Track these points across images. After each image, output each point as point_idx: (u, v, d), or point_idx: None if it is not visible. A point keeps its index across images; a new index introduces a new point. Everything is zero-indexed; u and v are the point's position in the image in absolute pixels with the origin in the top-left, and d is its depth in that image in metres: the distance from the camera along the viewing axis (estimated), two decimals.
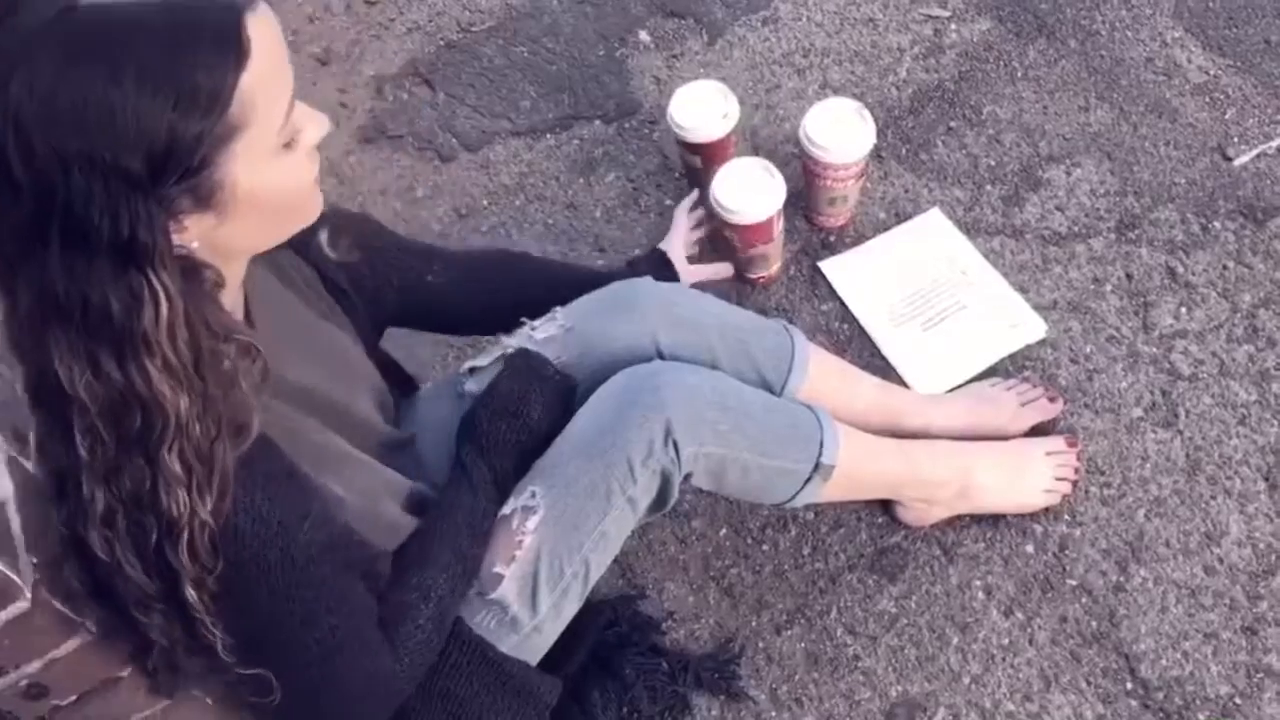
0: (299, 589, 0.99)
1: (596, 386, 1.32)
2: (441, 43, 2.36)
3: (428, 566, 1.17)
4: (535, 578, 1.24)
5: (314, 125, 0.96)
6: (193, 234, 0.87)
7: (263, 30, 0.87)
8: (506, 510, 1.26)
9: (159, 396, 0.84)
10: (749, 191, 1.72)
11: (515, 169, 2.14)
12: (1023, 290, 1.79)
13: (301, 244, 1.20)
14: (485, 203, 2.11)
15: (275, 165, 0.91)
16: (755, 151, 2.04)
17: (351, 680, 1.07)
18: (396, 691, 1.13)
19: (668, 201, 2.03)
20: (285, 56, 0.91)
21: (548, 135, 2.17)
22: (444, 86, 2.29)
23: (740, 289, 1.89)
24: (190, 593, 0.91)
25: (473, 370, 1.42)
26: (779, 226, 1.78)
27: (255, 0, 0.87)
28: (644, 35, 2.27)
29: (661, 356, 1.36)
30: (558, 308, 1.41)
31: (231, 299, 1.01)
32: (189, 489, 0.88)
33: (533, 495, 1.26)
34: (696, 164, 1.91)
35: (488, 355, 1.42)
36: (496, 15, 2.38)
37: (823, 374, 1.49)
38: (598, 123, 2.17)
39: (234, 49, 0.84)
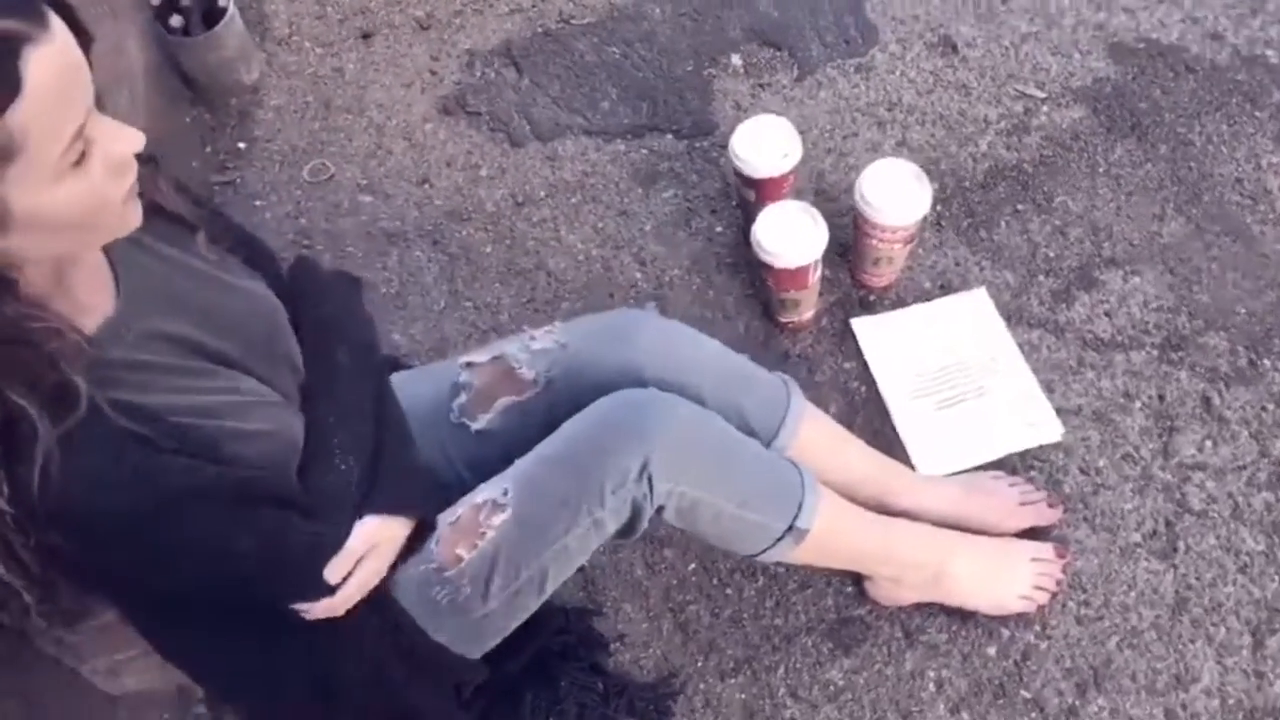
0: (168, 543, 1.05)
1: (582, 405, 1.33)
2: (539, 29, 2.38)
3: (328, 448, 1.21)
4: (491, 570, 1.26)
5: (118, 141, 0.95)
6: None
7: (46, 63, 0.86)
8: (478, 499, 1.28)
9: None
10: (790, 236, 1.71)
11: (579, 166, 2.14)
12: (1049, 389, 1.74)
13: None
14: (543, 194, 2.12)
15: (59, 187, 0.91)
16: (816, 196, 2.02)
17: (290, 564, 1.14)
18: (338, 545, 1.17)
19: (718, 228, 2.02)
20: (77, 81, 0.91)
21: (618, 140, 2.17)
22: (531, 73, 2.30)
23: (769, 328, 1.88)
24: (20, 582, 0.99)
25: (469, 364, 1.44)
26: (815, 275, 1.76)
27: (44, 29, 0.87)
28: (736, 59, 2.26)
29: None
30: (557, 321, 1.43)
31: (87, 281, 1.06)
32: None
33: (505, 493, 1.28)
34: (750, 197, 1.90)
35: (485, 353, 1.43)
36: (598, 12, 2.39)
37: (815, 436, 1.47)
38: (670, 137, 2.16)
39: (6, 87, 0.84)
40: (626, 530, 1.30)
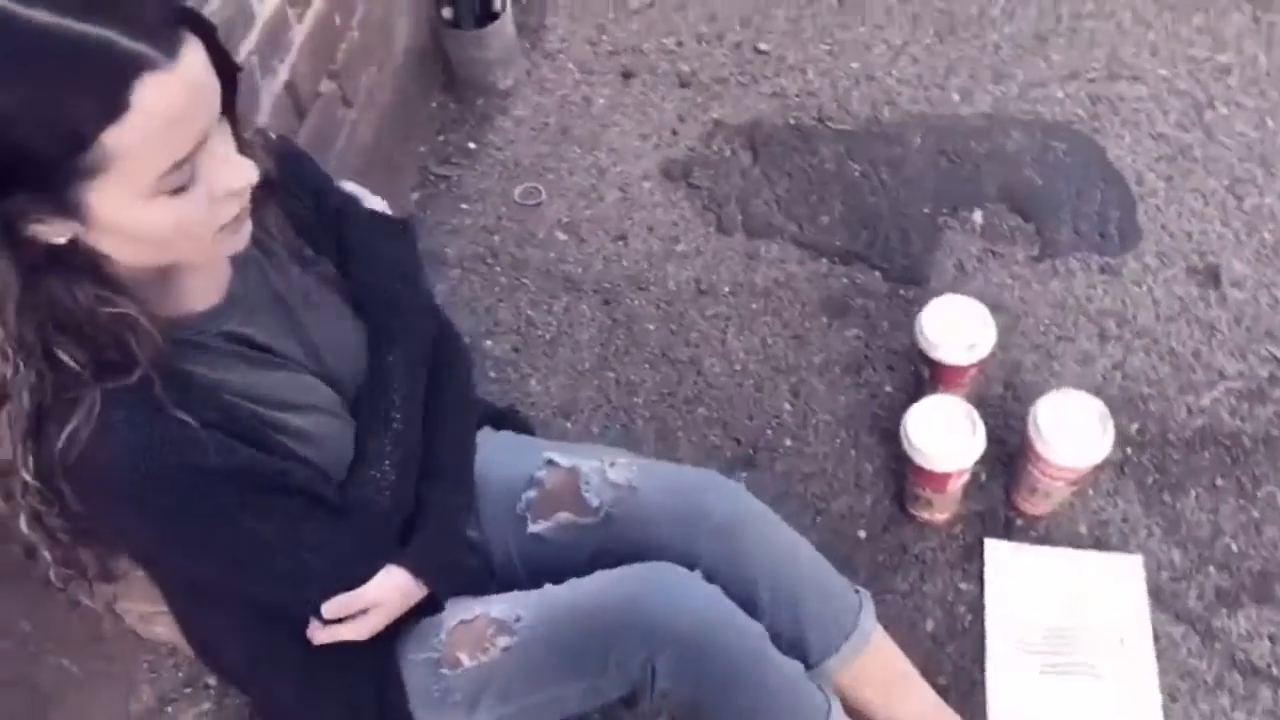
0: (183, 514, 1.04)
1: (635, 553, 1.27)
2: (791, 120, 2.29)
3: (373, 459, 1.20)
4: (482, 690, 1.23)
5: (227, 175, 0.94)
6: (59, 232, 0.90)
7: (160, 92, 0.84)
8: (493, 612, 1.25)
9: None
10: (941, 436, 1.57)
11: (774, 274, 2.05)
12: (1171, 698, 1.53)
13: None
14: (727, 289, 2.04)
15: (148, 207, 0.90)
16: (1004, 389, 1.85)
17: (314, 566, 1.14)
18: (370, 553, 1.18)
19: (887, 388, 1.88)
20: (190, 114, 0.88)
21: (824, 259, 2.07)
22: (765, 163, 2.22)
23: (896, 514, 1.73)
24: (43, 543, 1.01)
25: (550, 461, 1.38)
26: (958, 483, 1.61)
27: (171, 59, 0.85)
28: (977, 216, 2.11)
29: (692, 567, 1.25)
30: (640, 460, 1.35)
31: (197, 281, 1.08)
32: (16, 456, 0.95)
33: (518, 619, 1.24)
34: (925, 374, 1.76)
35: (568, 457, 1.37)
36: (859, 122, 2.28)
37: (871, 671, 1.34)
38: (877, 274, 2.04)
39: (110, 106, 0.83)
40: (627, 701, 1.23)
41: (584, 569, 1.30)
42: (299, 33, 1.78)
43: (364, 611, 1.19)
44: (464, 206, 2.22)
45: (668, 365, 1.95)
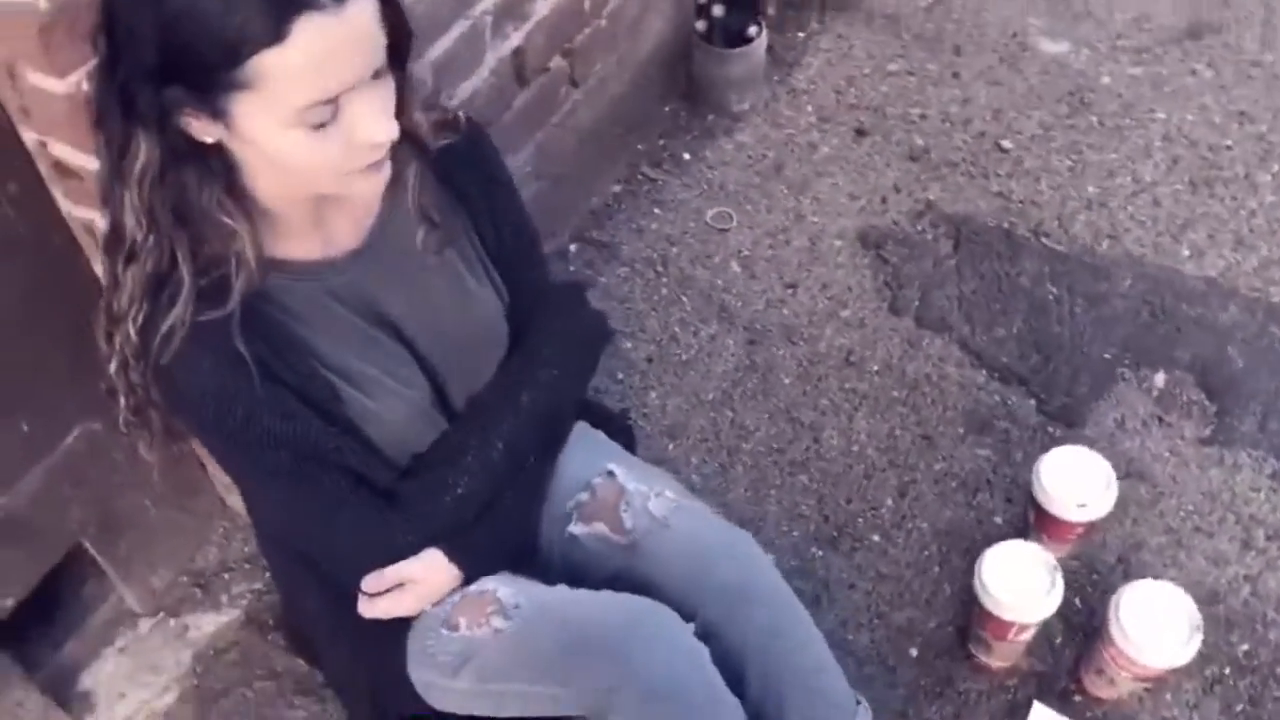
0: (238, 457, 1.17)
1: (648, 585, 1.29)
2: (1006, 224, 2.21)
3: (454, 464, 1.27)
4: (466, 661, 1.27)
5: (367, 127, 1.00)
6: (207, 131, 0.99)
7: (318, 33, 0.91)
8: (500, 592, 1.29)
9: (121, 220, 1.02)
10: (1014, 584, 1.49)
11: (926, 369, 1.99)
12: None
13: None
14: (875, 368, 2.00)
15: (284, 134, 0.98)
16: (1118, 564, 1.74)
17: (337, 540, 1.22)
18: (397, 549, 1.25)
19: (998, 519, 1.80)
20: (344, 59, 0.95)
21: (983, 372, 1.99)
22: (963, 257, 2.16)
23: (952, 647, 1.66)
24: (122, 390, 1.10)
25: (610, 472, 1.39)
26: (1020, 636, 1.53)
27: (340, 4, 0.92)
28: (1159, 378, 1.98)
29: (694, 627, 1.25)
30: (686, 499, 1.35)
31: (340, 220, 1.18)
32: (129, 310, 1.05)
33: (516, 607, 1.27)
34: (1031, 519, 1.67)
35: (627, 474, 1.38)
36: (1073, 246, 2.17)
37: None
38: (1032, 403, 1.95)
39: (270, 32, 0.90)
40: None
41: (603, 584, 1.32)
42: (542, 7, 1.86)
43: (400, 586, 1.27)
44: (656, 211, 2.26)
45: (787, 422, 1.93)
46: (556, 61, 1.97)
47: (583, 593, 1.28)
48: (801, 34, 2.59)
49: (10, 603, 1.49)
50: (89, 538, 1.57)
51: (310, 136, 0.98)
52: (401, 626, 1.33)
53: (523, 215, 1.36)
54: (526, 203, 1.94)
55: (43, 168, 1.26)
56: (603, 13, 2.05)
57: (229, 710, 1.65)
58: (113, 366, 1.11)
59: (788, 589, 1.31)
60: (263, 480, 1.19)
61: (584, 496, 1.39)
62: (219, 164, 1.05)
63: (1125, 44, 2.54)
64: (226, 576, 1.78)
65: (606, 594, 1.26)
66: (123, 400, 1.14)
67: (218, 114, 0.97)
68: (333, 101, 0.97)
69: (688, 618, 1.24)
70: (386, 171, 1.10)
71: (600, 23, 2.05)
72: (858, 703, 1.32)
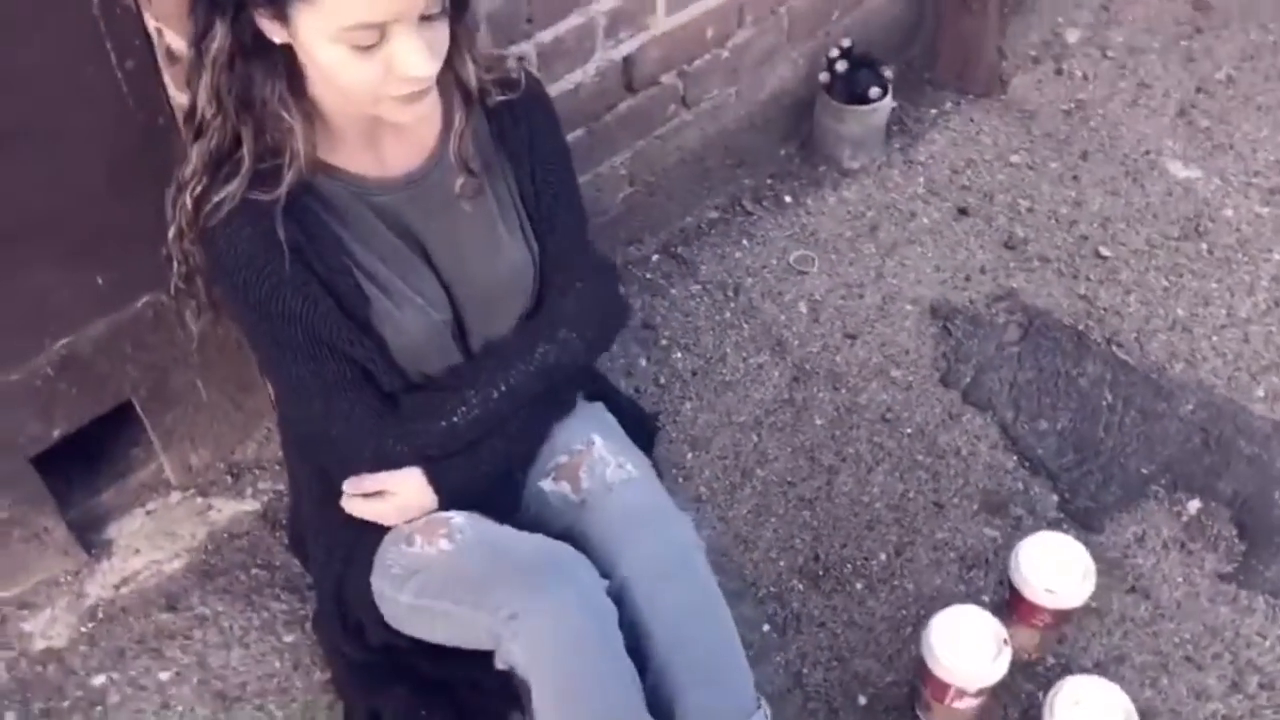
0: (258, 326, 1.28)
1: (583, 543, 1.37)
2: (1081, 327, 2.20)
3: (457, 393, 1.37)
4: (411, 575, 1.38)
5: (406, 61, 1.12)
6: (274, 32, 1.12)
7: None
8: (456, 518, 1.39)
9: (196, 99, 1.16)
10: (959, 647, 1.51)
11: (958, 441, 2.00)
12: None
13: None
14: (907, 430, 2.02)
15: (331, 47, 1.10)
16: (1095, 668, 1.71)
17: (333, 429, 1.33)
18: (383, 453, 1.35)
19: (984, 597, 1.79)
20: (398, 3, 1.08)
21: (1014, 458, 1.98)
22: (1028, 348, 2.15)
23: (904, 704, 1.67)
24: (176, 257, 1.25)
25: (593, 441, 1.47)
26: (959, 702, 1.54)
27: None
28: (1193, 505, 1.92)
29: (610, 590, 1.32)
30: (643, 473, 1.44)
31: (392, 144, 1.29)
32: (190, 181, 1.20)
33: (462, 533, 1.37)
34: (1007, 596, 1.67)
35: (608, 444, 1.47)
36: (1142, 362, 2.14)
37: None
38: (1055, 499, 1.93)
39: None
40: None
41: (555, 537, 1.40)
42: (659, 24, 1.97)
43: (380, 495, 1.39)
44: (744, 242, 2.33)
45: (807, 459, 1.97)
46: (669, 78, 2.08)
47: (524, 533, 1.36)
48: (934, 110, 2.64)
49: (57, 434, 1.66)
50: (139, 400, 1.73)
51: (353, 54, 1.11)
52: (374, 537, 1.43)
53: (566, 182, 1.44)
54: (615, 203, 2.10)
55: (158, 52, 1.44)
56: (726, 43, 2.15)
57: (222, 587, 1.79)
58: (171, 233, 1.26)
59: (712, 580, 1.36)
60: (278, 355, 1.31)
61: (563, 459, 1.48)
62: (284, 65, 1.19)
63: (1260, 182, 2.49)
64: (257, 472, 1.93)
65: (540, 536, 1.34)
66: (175, 266, 1.29)
67: (282, 17, 1.10)
68: (378, 28, 1.10)
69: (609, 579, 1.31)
70: (422, 107, 1.21)
71: (721, 53, 2.16)
72: (759, 705, 1.35)
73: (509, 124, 1.38)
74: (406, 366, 1.36)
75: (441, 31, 1.17)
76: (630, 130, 2.08)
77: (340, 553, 1.49)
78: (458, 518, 1.39)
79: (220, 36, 1.14)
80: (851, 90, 2.36)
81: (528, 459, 1.50)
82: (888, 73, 2.34)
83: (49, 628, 1.74)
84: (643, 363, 2.11)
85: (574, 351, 1.44)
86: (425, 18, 1.12)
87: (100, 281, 1.58)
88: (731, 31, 2.15)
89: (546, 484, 1.47)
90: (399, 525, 1.42)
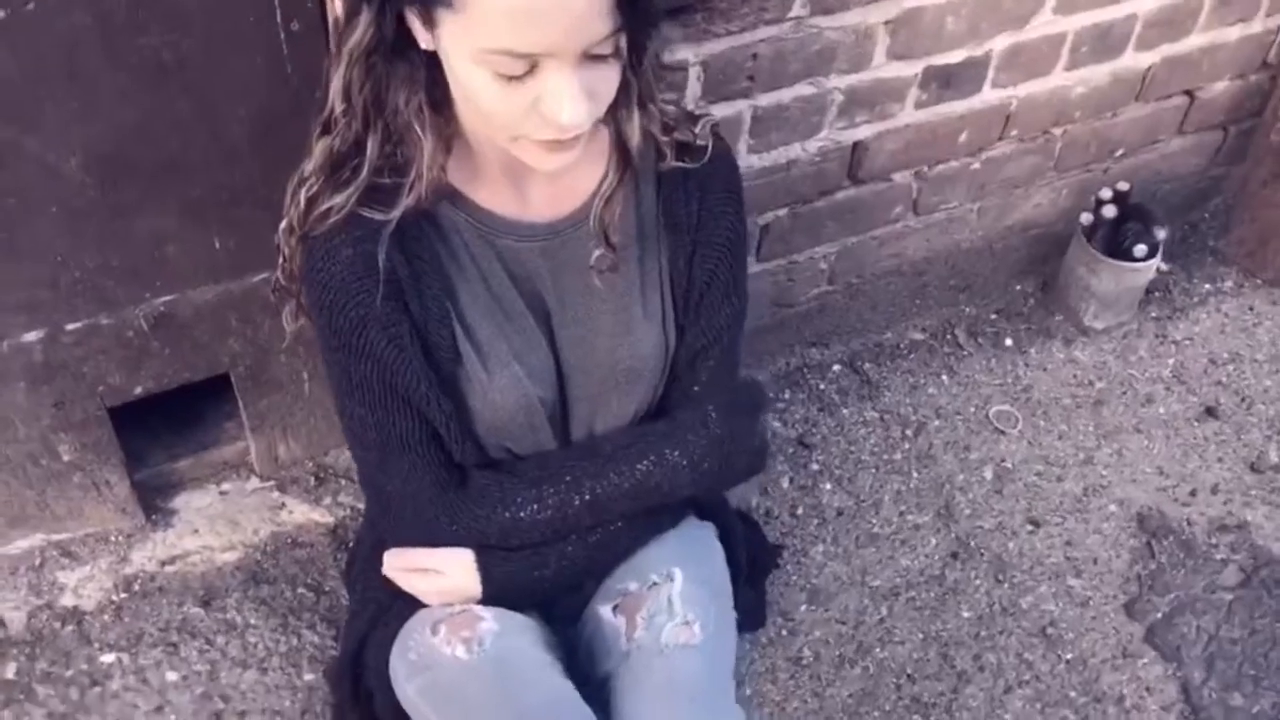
0: (334, 354, 1.13)
1: (621, 695, 1.18)
2: None
3: (535, 486, 1.19)
4: (426, 670, 1.21)
5: (556, 103, 0.93)
6: (421, 36, 0.96)
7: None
8: (483, 624, 1.20)
9: (329, 89, 1.03)
10: None
11: (1126, 692, 1.64)
12: None
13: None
14: (1068, 655, 1.67)
15: (473, 70, 0.93)
16: None
17: (388, 485, 1.18)
18: (435, 530, 1.19)
19: None
20: (538, 19, 0.88)
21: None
22: (1249, 597, 1.77)
23: None
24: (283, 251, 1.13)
25: (671, 576, 1.25)
26: None
27: None
28: None
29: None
30: (714, 638, 1.19)
31: (534, 186, 1.12)
32: (309, 178, 1.07)
33: (482, 645, 1.18)
34: None
35: (686, 590, 1.24)
36: None
37: None
38: None
39: None
40: None
41: (598, 678, 1.22)
42: (904, 115, 1.72)
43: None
44: (943, 377, 2.04)
45: (938, 655, 1.66)
46: (902, 177, 1.82)
47: (546, 673, 1.15)
48: (1209, 286, 2.26)
49: (139, 390, 1.56)
50: (237, 376, 1.61)
51: (495, 82, 0.93)
52: (409, 608, 1.26)
53: (730, 275, 1.22)
54: (806, 297, 1.86)
55: (329, 20, 1.29)
56: (980, 153, 1.87)
57: (264, 597, 1.64)
58: (282, 225, 1.12)
59: None
60: (347, 389, 1.15)
61: (632, 586, 1.26)
62: (426, 74, 1.02)
63: None
64: (343, 482, 1.78)
65: (559, 686, 1.14)
66: (280, 261, 1.15)
67: (430, 20, 0.94)
68: (528, 59, 0.91)
69: None
70: (565, 157, 1.02)
71: (972, 163, 1.88)
72: None
73: (679, 195, 1.18)
74: (487, 439, 1.19)
75: (608, 76, 0.97)
76: (843, 223, 1.84)
77: (371, 610, 1.33)
78: (488, 621, 1.20)
79: (363, 26, 0.98)
80: (1115, 241, 2.02)
81: (600, 575, 1.29)
82: (1161, 233, 2.00)
83: (82, 585, 1.63)
84: (784, 484, 1.85)
85: (679, 482, 1.22)
86: (592, 57, 0.93)
87: (217, 245, 1.46)
88: (989, 142, 1.87)
89: (605, 611, 1.25)
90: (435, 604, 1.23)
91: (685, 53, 1.45)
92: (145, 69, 1.26)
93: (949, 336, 2.12)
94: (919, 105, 1.73)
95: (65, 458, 1.57)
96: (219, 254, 1.47)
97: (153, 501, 1.71)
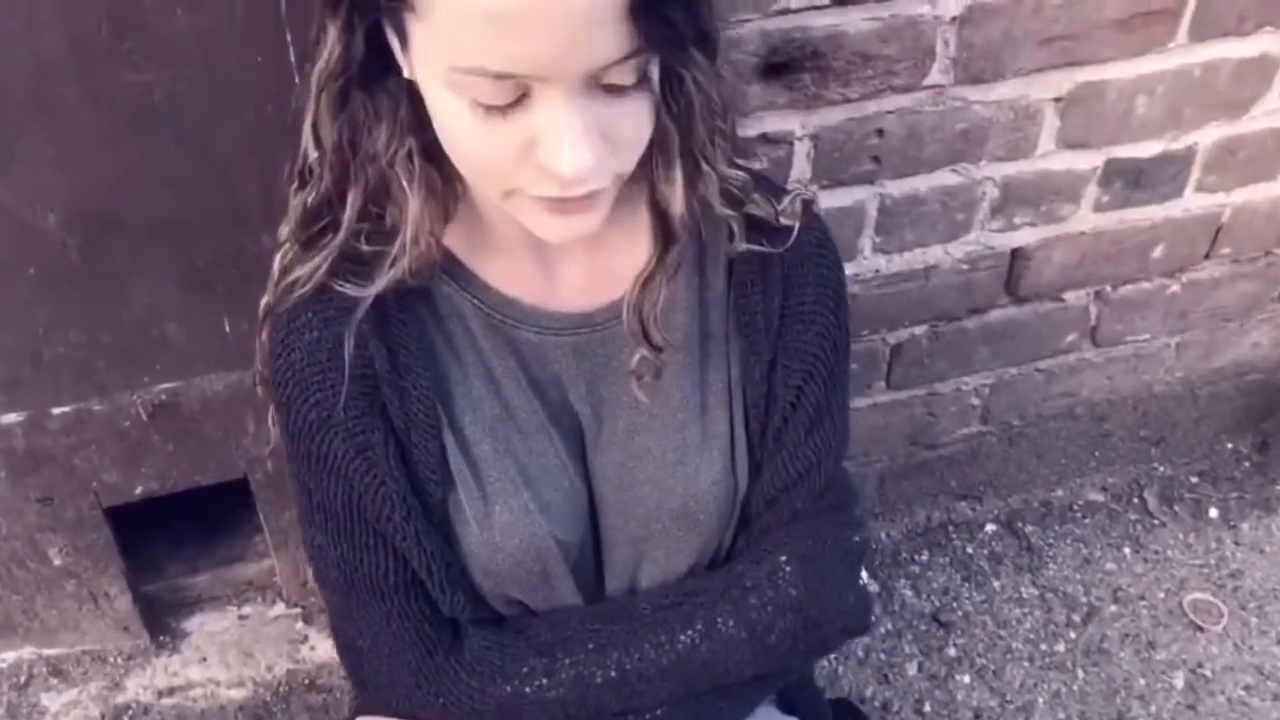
0: (292, 464, 0.88)
1: None
2: None
3: (547, 654, 0.91)
4: None
5: (553, 147, 0.68)
6: (401, 63, 0.74)
7: None
8: None
9: (302, 135, 0.80)
10: None
11: None
12: None
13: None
14: None
15: (446, 97, 0.70)
16: None
17: (357, 640, 0.92)
18: (415, 698, 0.93)
19: None
20: (537, 31, 0.63)
21: None
22: None
23: None
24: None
25: None
26: None
27: None
28: None
29: None
30: None
31: (559, 262, 0.87)
32: (286, 246, 0.85)
33: None
34: None
35: None
36: None
37: None
38: None
39: None
40: None
41: None
42: (1080, 219, 1.38)
43: None
44: (1125, 549, 1.65)
45: None
46: (1077, 297, 1.48)
47: None
48: None
49: (139, 491, 1.36)
50: (255, 483, 1.40)
51: (475, 114, 0.69)
52: None
53: (824, 393, 0.92)
54: (952, 439, 1.60)
55: None
56: (1179, 274, 1.50)
57: None
58: (262, 301, 0.89)
59: None
60: (309, 513, 0.89)
61: None
62: (415, 113, 0.78)
63: None
64: None
65: None
66: (259, 343, 0.92)
67: (401, 33, 0.71)
68: (514, 83, 0.66)
69: None
70: (578, 223, 0.74)
71: (1170, 285, 1.51)
72: None
73: (756, 287, 0.89)
74: (487, 589, 0.90)
75: (632, 115, 0.71)
76: (1001, 350, 1.50)
77: None
78: None
79: (329, 45, 0.75)
80: None
81: None
82: None
83: (66, 711, 1.42)
84: (911, 670, 1.48)
85: (738, 659, 0.91)
86: (606, 88, 0.68)
87: (227, 326, 1.26)
88: (1193, 260, 1.50)
89: None
90: None
91: (790, 122, 1.17)
92: (131, 110, 1.09)
93: (1135, 500, 1.74)
94: (1099, 208, 1.39)
95: (56, 562, 1.38)
96: (229, 337, 1.26)
97: (163, 619, 1.50)
